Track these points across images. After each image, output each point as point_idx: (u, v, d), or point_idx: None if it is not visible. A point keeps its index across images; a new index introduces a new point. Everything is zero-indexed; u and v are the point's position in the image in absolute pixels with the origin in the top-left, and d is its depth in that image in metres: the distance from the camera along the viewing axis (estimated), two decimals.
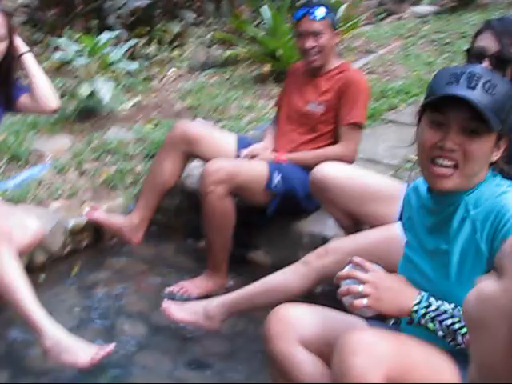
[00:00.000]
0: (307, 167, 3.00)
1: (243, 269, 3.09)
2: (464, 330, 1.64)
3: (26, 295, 2.46)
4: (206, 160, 3.20)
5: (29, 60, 2.96)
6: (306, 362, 1.89)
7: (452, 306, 1.68)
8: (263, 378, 2.40)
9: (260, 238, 3.19)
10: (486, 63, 2.22)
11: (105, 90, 4.37)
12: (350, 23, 5.92)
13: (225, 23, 5.84)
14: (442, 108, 1.66)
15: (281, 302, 2.51)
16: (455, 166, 1.67)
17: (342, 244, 2.55)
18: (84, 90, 4.36)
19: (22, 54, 2.92)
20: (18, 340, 2.63)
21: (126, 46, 4.69)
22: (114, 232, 3.31)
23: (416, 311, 1.70)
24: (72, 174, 3.92)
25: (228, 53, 5.55)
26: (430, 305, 1.69)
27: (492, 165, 1.76)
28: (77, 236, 3.23)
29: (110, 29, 5.16)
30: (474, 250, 1.68)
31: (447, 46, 6.30)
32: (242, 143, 3.26)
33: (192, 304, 2.67)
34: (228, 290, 2.85)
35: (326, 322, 1.93)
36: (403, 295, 1.73)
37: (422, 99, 4.95)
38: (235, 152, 3.21)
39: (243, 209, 3.02)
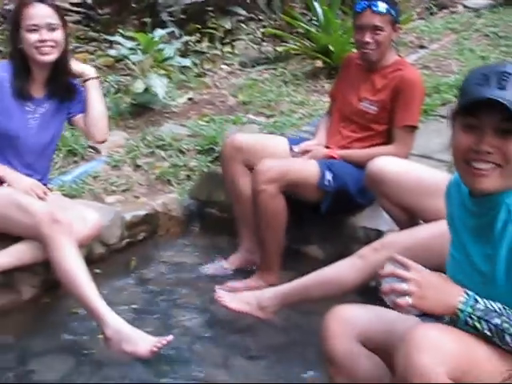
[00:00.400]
0: (358, 165, 3.01)
1: (296, 263, 3.09)
2: None
3: (87, 284, 2.52)
4: None
5: (93, 87, 2.91)
6: (366, 359, 1.89)
7: (499, 305, 1.65)
8: (317, 372, 2.45)
9: (314, 232, 3.19)
10: None
11: (159, 85, 4.44)
12: (403, 17, 5.87)
13: (275, 19, 5.86)
14: (474, 111, 1.64)
15: (335, 295, 2.56)
16: (495, 167, 1.64)
17: (398, 238, 2.56)
18: (138, 86, 4.44)
19: (88, 79, 2.90)
20: (80, 328, 2.69)
21: (178, 43, 4.76)
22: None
23: (462, 310, 1.64)
24: (127, 168, 4.00)
25: (279, 49, 5.58)
26: (476, 302, 1.65)
27: None
28: (133, 229, 3.28)
29: (163, 26, 5.24)
30: None
31: (502, 39, 6.21)
32: (293, 143, 3.26)
33: (245, 294, 2.69)
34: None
35: (383, 320, 1.92)
36: (448, 293, 1.67)
37: None
38: (288, 154, 3.21)
39: (297, 205, 3.03)
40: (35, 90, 2.83)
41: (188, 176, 3.91)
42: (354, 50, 3.65)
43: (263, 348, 2.64)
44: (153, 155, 4.13)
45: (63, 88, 2.86)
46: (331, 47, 5.19)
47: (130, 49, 4.61)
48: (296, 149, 3.19)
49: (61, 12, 2.77)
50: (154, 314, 2.83)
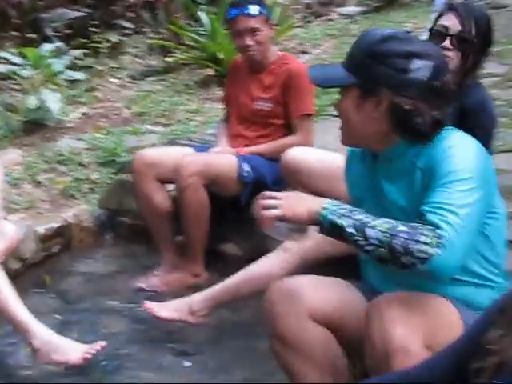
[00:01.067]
0: (268, 158, 3.14)
1: (216, 262, 3.18)
2: (375, 224, 1.64)
3: (11, 298, 2.48)
4: (171, 180, 3.23)
5: None
6: (318, 335, 1.89)
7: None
8: (248, 363, 2.53)
9: (230, 230, 3.27)
10: (446, 42, 2.39)
11: (52, 101, 4.39)
12: (285, 26, 6.10)
13: (161, 32, 5.92)
14: None
15: (265, 290, 2.64)
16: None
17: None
18: (31, 102, 4.37)
19: None
20: (4, 345, 2.64)
21: (68, 57, 4.72)
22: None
23: (325, 208, 1.69)
24: (27, 186, 3.92)
25: (169, 60, 5.64)
26: (340, 205, 1.72)
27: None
28: (47, 242, 3.25)
29: (47, 41, 5.18)
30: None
31: None
32: (200, 151, 3.33)
33: (175, 302, 2.72)
34: (204, 283, 2.96)
35: (334, 291, 1.94)
36: (314, 201, 1.76)
37: None
38: None
39: (214, 203, 3.11)
40: None
41: (91, 189, 3.89)
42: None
43: (194, 346, 2.69)
44: (53, 171, 4.07)
45: None
46: (220, 55, 5.33)
47: (19, 65, 4.53)
48: None
49: None
50: (78, 324, 2.81)
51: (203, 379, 2.49)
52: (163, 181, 3.19)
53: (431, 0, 7.88)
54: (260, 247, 2.95)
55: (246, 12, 3.14)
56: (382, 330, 1.64)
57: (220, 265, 3.14)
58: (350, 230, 1.66)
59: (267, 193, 1.79)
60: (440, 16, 2.49)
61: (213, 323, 2.74)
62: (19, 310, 2.48)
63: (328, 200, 1.74)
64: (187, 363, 2.60)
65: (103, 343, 2.47)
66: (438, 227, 1.61)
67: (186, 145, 3.68)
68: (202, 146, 3.48)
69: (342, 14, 7.85)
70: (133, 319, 2.86)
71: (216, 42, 5.36)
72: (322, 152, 2.99)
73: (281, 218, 1.74)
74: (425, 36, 7.02)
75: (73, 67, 5.27)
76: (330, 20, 7.90)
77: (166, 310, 2.68)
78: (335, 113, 4.09)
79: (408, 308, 1.68)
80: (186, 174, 2.98)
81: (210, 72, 5.47)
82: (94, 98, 5.26)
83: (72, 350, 2.44)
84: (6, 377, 2.51)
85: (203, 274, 3.13)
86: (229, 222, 3.28)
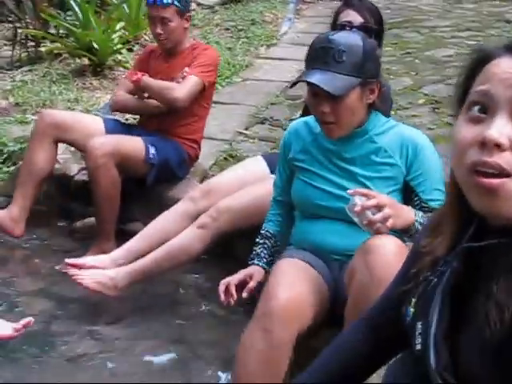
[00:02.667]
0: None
1: (126, 239, 3.34)
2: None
3: None
4: (75, 144, 3.43)
5: None
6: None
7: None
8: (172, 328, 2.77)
9: (137, 210, 3.47)
10: None
11: None
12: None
13: (27, 21, 5.87)
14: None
15: (183, 264, 2.93)
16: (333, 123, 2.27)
17: (232, 203, 2.93)
18: None
19: None
20: None
21: None
22: None
23: (417, 220, 2.12)
24: None
25: (42, 49, 5.63)
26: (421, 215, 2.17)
27: (371, 105, 2.31)
28: None
29: None
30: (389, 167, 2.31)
31: (242, 32, 6.92)
32: (109, 124, 3.50)
33: (100, 273, 2.86)
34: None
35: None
36: (407, 210, 2.16)
37: (235, 80, 5.78)
38: (103, 133, 3.43)
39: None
40: None
41: None
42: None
43: (121, 313, 2.87)
44: None
45: None
46: (95, 44, 5.41)
47: None
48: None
49: None
50: (2, 306, 2.87)
51: (134, 345, 2.68)
52: (61, 141, 3.41)
53: None
54: None
55: (158, 2, 3.34)
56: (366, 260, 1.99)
57: None
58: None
59: (365, 203, 2.00)
60: (338, 14, 2.89)
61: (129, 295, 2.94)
62: None
63: (410, 209, 2.19)
64: (119, 330, 2.77)
65: (29, 318, 2.50)
66: None
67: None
68: (112, 120, 3.64)
69: (202, 4, 8.08)
70: (55, 297, 2.97)
71: (89, 31, 5.43)
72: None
73: (391, 228, 2.04)
74: (286, 25, 7.50)
75: None
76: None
77: (91, 280, 2.82)
78: (214, 99, 4.28)
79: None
80: (99, 154, 3.14)
81: (85, 61, 5.52)
82: None
83: (1, 326, 2.53)
84: None
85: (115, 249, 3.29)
86: (135, 202, 3.46)
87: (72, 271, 2.85)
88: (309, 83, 2.24)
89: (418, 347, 1.24)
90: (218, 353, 2.61)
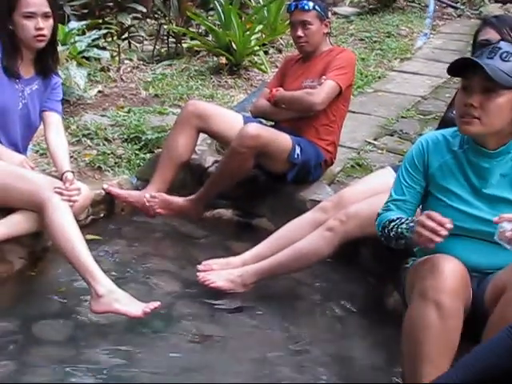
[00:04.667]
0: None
1: (250, 234, 3.51)
2: None
3: (83, 246, 2.74)
4: (215, 135, 3.62)
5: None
6: None
7: None
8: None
9: (265, 207, 3.60)
10: None
11: (79, 77, 4.64)
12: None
13: (172, 17, 6.16)
14: (466, 74, 2.25)
15: (311, 266, 3.02)
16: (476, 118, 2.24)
17: (362, 208, 2.98)
18: None
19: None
20: (71, 296, 2.88)
21: (93, 36, 4.97)
22: (134, 206, 3.58)
23: None
24: None
25: (184, 45, 5.91)
26: None
27: None
28: (96, 207, 3.49)
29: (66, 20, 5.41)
30: None
31: (376, 43, 6.96)
32: (247, 120, 3.64)
33: (227, 272, 3.00)
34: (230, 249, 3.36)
35: None
36: None
37: (366, 90, 5.82)
38: None
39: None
40: (23, 70, 3.01)
41: (116, 163, 4.15)
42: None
43: (245, 301, 2.97)
44: (79, 144, 4.29)
45: (49, 71, 3.08)
46: (234, 45, 5.62)
47: None
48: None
49: (51, 0, 2.99)
50: (131, 284, 3.02)
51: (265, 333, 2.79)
52: (202, 132, 3.61)
53: (424, 6, 8.41)
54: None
55: (300, 6, 3.52)
56: None
57: (254, 237, 3.42)
58: None
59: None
60: (478, 32, 2.97)
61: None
62: (88, 257, 2.73)
63: None
64: (241, 318, 2.89)
65: (158, 303, 2.70)
66: None
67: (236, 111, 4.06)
68: (250, 117, 3.77)
69: (339, 14, 8.19)
70: (182, 280, 3.12)
71: (229, 31, 5.64)
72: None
73: None
74: (422, 40, 7.47)
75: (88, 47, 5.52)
76: None
77: (221, 280, 2.97)
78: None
79: None
80: (245, 144, 3.30)
81: (223, 61, 5.73)
82: (108, 77, 5.49)
83: (132, 303, 2.69)
84: (69, 316, 2.76)
85: (201, 215, 3.59)
86: (262, 198, 3.61)
87: (201, 276, 3.00)
88: (473, 65, 2.21)
89: None
90: (330, 351, 2.69)
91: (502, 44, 2.27)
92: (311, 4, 3.55)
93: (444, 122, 3.10)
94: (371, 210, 2.95)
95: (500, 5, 8.72)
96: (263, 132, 3.37)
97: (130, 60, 5.88)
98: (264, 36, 6.15)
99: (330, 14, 8.15)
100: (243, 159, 3.34)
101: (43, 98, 3.13)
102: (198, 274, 3.02)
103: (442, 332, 2.09)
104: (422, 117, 5.05)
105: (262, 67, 5.72)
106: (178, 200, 3.54)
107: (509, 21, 3.00)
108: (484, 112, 2.23)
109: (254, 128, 3.34)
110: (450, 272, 2.12)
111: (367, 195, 3.03)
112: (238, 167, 3.37)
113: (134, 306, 2.69)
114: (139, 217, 3.64)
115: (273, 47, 6.36)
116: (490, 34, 2.88)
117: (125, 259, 3.27)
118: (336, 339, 2.79)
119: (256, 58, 5.86)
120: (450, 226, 2.12)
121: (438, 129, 3.07)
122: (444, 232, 2.11)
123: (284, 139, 3.45)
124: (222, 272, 3.02)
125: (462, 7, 8.85)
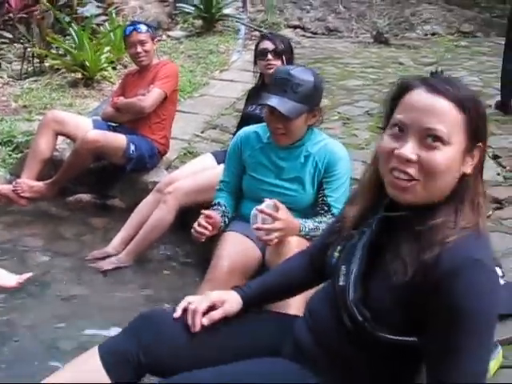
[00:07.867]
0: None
1: (106, 211, 3.50)
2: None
3: None
4: (70, 137, 3.53)
5: None
6: None
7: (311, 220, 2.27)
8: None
9: (116, 190, 3.57)
10: (269, 56, 3.01)
11: None
12: None
13: (37, 41, 5.82)
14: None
15: (164, 232, 2.96)
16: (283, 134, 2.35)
17: (184, 182, 3.02)
18: None
19: None
20: None
21: None
22: (7, 197, 3.42)
23: (302, 229, 2.22)
24: None
25: (46, 64, 5.62)
26: (305, 222, 2.25)
27: (310, 126, 2.40)
28: None
29: None
30: (314, 172, 2.37)
31: (201, 59, 6.98)
32: (96, 123, 3.60)
33: (108, 261, 2.94)
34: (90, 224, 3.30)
35: None
36: (295, 223, 2.22)
37: (194, 95, 5.81)
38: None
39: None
40: None
41: None
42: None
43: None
44: None
45: None
46: (87, 62, 5.43)
47: None
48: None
49: None
50: (10, 260, 2.91)
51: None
52: (61, 135, 3.53)
53: (237, 30, 8.52)
54: (139, 200, 3.23)
55: (137, 29, 3.49)
56: None
57: (110, 214, 3.39)
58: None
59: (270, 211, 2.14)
60: (258, 43, 3.11)
61: None
62: None
63: (299, 224, 2.26)
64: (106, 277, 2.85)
65: (31, 273, 2.49)
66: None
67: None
68: (98, 121, 3.69)
69: (171, 36, 8.10)
70: (52, 252, 3.03)
71: (83, 52, 5.45)
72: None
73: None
74: (236, 56, 7.54)
75: None
76: (160, 41, 8.12)
77: (106, 265, 2.92)
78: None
79: None
80: (85, 148, 3.28)
81: (78, 76, 5.53)
82: None
83: (6, 276, 2.55)
84: None
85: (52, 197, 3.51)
86: (115, 183, 3.56)
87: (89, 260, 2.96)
88: (270, 106, 2.26)
89: (341, 283, 1.32)
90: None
91: (292, 74, 2.24)
92: (144, 27, 3.54)
93: (242, 118, 3.22)
94: (194, 182, 3.01)
95: (292, 29, 9.03)
96: (100, 137, 3.33)
97: (1, 78, 5.52)
98: (112, 55, 5.99)
99: (164, 36, 8.14)
100: (84, 158, 3.34)
101: None
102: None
103: None
104: (237, 113, 5.12)
105: (111, 80, 5.59)
106: (39, 183, 3.44)
107: (279, 36, 3.21)
108: (287, 131, 2.31)
109: (93, 134, 3.32)
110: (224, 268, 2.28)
111: (191, 173, 3.09)
112: (80, 163, 3.37)
113: (8, 278, 2.55)
114: (14, 207, 3.48)
115: (120, 64, 6.20)
116: (266, 44, 3.05)
117: (2, 241, 3.11)
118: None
119: (106, 73, 5.69)
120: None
121: (238, 123, 3.18)
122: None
123: (119, 140, 3.43)
124: (106, 261, 2.96)
125: (265, 31, 9.04)
